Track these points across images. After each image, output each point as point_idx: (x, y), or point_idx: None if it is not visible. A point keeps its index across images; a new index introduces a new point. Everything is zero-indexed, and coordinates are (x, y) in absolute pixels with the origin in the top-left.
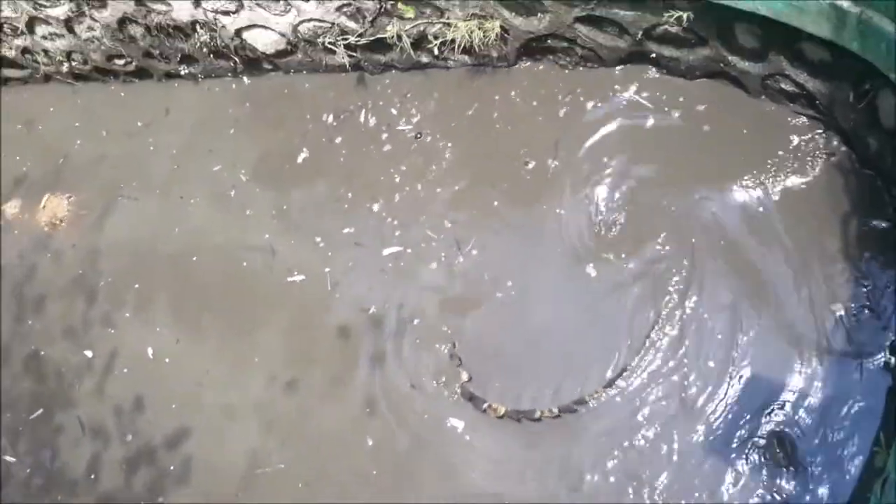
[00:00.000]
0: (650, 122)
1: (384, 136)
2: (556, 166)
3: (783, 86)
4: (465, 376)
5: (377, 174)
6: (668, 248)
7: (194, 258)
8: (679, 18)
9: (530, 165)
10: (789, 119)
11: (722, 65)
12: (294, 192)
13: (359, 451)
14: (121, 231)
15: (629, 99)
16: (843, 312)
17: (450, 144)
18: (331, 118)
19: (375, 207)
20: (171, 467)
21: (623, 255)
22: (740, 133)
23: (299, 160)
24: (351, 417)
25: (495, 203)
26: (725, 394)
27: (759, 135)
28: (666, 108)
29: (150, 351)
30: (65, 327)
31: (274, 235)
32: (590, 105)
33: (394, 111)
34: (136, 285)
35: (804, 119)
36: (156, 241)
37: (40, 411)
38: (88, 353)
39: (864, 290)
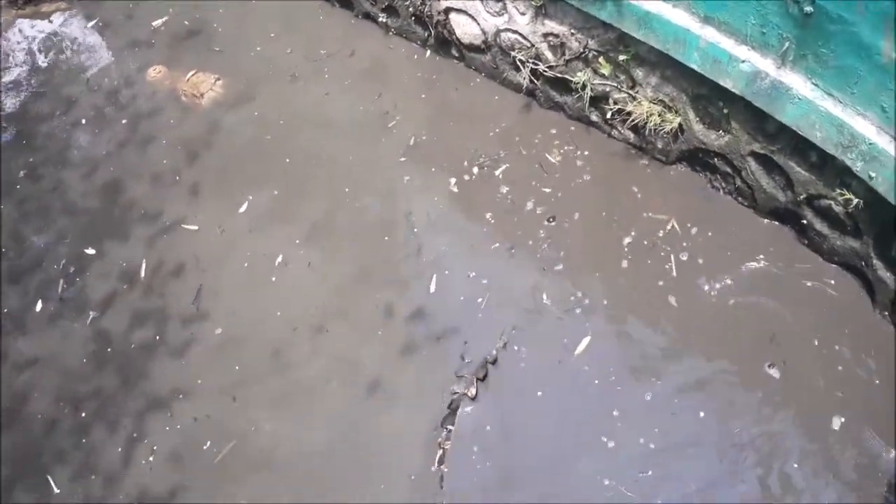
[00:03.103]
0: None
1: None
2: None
3: None
4: (472, 392)
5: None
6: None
7: (347, 189)
8: (848, 201)
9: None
10: None
11: (863, 263)
12: (432, 190)
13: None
14: (267, 119)
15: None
16: None
17: (576, 215)
18: (498, 148)
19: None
20: (171, 342)
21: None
22: (847, 336)
23: (452, 185)
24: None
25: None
26: None
27: (866, 352)
28: (793, 281)
29: (279, 259)
30: (154, 175)
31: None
32: (725, 251)
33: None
34: (276, 191)
35: None
36: (317, 152)
37: (87, 235)
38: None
39: None
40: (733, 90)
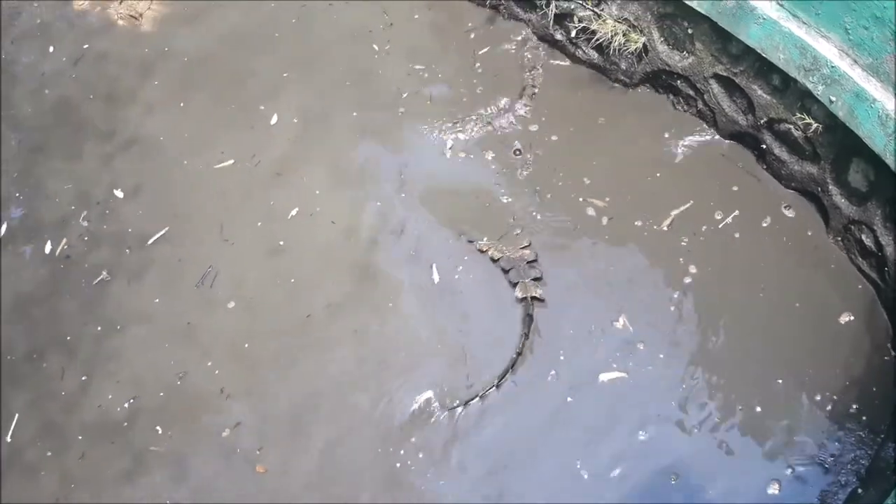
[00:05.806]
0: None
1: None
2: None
3: (863, 237)
4: (539, 292)
5: None
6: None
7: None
8: (807, 125)
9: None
10: (850, 276)
11: (820, 189)
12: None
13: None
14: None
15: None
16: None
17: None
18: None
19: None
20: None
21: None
22: (798, 261)
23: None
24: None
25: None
26: None
27: (816, 275)
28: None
29: (294, 211)
30: (109, 93)
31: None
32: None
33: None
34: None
35: (864, 282)
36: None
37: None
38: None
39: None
40: (698, 9)
